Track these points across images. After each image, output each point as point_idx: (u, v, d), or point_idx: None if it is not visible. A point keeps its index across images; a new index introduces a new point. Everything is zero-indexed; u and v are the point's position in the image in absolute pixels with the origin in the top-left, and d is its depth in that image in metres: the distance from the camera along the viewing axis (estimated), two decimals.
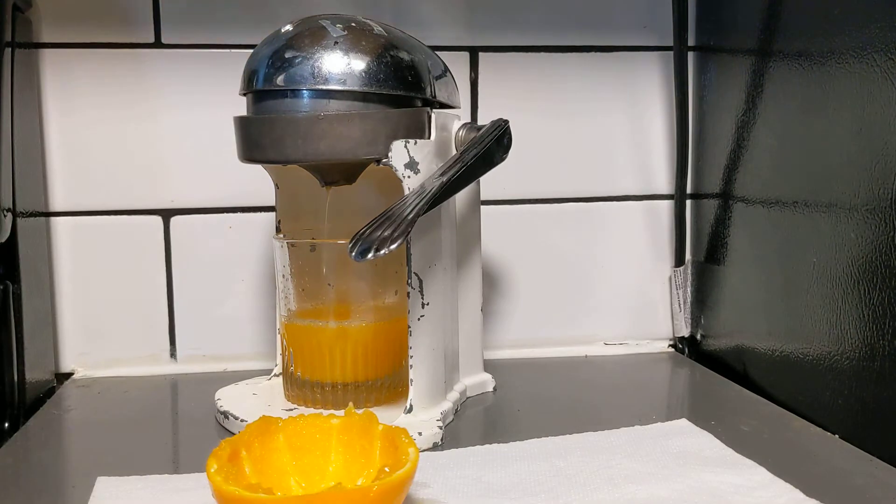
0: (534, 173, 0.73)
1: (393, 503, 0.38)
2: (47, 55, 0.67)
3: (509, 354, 0.73)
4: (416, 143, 0.53)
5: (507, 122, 0.57)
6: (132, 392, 0.64)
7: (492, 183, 0.69)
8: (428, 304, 0.54)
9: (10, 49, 0.59)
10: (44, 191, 0.67)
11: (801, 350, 0.58)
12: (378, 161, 0.52)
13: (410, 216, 0.47)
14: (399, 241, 0.46)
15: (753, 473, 0.45)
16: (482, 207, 0.63)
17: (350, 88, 0.51)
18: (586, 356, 0.73)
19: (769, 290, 0.62)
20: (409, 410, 0.54)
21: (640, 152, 0.74)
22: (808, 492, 0.42)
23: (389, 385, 0.57)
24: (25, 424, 0.57)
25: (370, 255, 0.45)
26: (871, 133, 0.50)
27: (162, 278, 0.69)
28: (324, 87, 0.51)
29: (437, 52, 0.58)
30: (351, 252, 0.45)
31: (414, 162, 0.52)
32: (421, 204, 0.48)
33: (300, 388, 0.57)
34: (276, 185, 0.61)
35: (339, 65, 0.51)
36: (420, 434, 0.51)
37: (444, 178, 0.50)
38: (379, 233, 0.46)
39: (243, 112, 0.55)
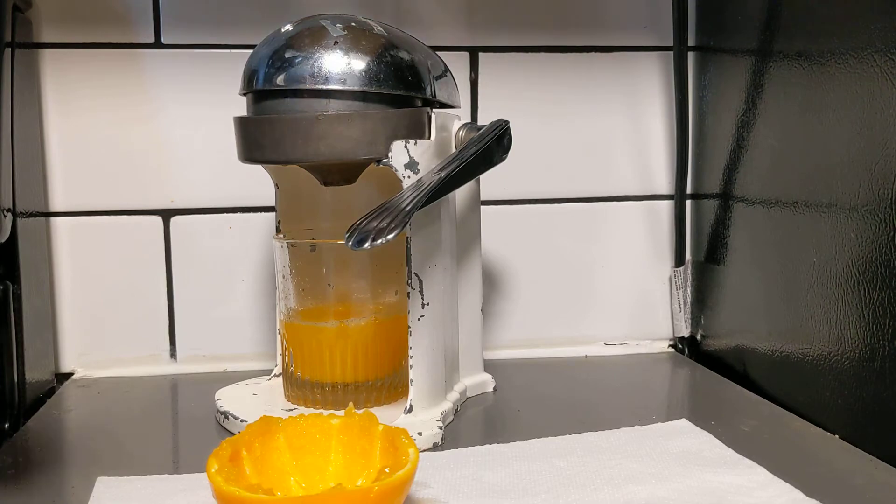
0: (534, 173, 0.73)
1: (393, 503, 0.38)
2: (47, 55, 0.67)
3: (509, 354, 0.73)
4: (416, 143, 0.53)
5: (507, 122, 0.57)
6: (132, 392, 0.64)
7: (492, 183, 0.69)
8: (428, 304, 0.54)
9: (10, 49, 0.59)
10: (44, 191, 0.67)
11: (801, 350, 0.58)
12: (378, 161, 0.52)
13: (408, 208, 0.47)
14: (395, 232, 0.46)
15: (753, 473, 0.45)
16: (482, 207, 0.63)
17: (350, 88, 0.51)
18: (586, 356, 0.73)
19: (769, 290, 0.62)
20: (409, 410, 0.54)
21: (640, 152, 0.74)
22: (808, 492, 0.42)
23: (389, 385, 0.57)
24: (25, 424, 0.57)
25: (367, 245, 0.45)
26: (871, 133, 0.50)
27: (162, 278, 0.69)
28: (324, 87, 0.51)
29: (437, 52, 0.58)
30: (348, 242, 0.46)
31: (414, 162, 0.52)
32: (419, 197, 0.48)
33: (300, 388, 0.57)
34: (276, 185, 0.61)
35: (339, 65, 0.51)
36: (420, 434, 0.51)
37: (443, 174, 0.50)
38: (376, 223, 0.46)
39: (243, 112, 0.55)
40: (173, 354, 0.70)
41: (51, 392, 0.65)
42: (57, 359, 0.68)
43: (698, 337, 0.74)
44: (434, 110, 0.54)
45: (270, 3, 0.68)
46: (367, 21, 0.54)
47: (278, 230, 0.62)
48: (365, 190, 0.60)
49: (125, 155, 0.68)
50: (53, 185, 0.68)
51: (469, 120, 0.64)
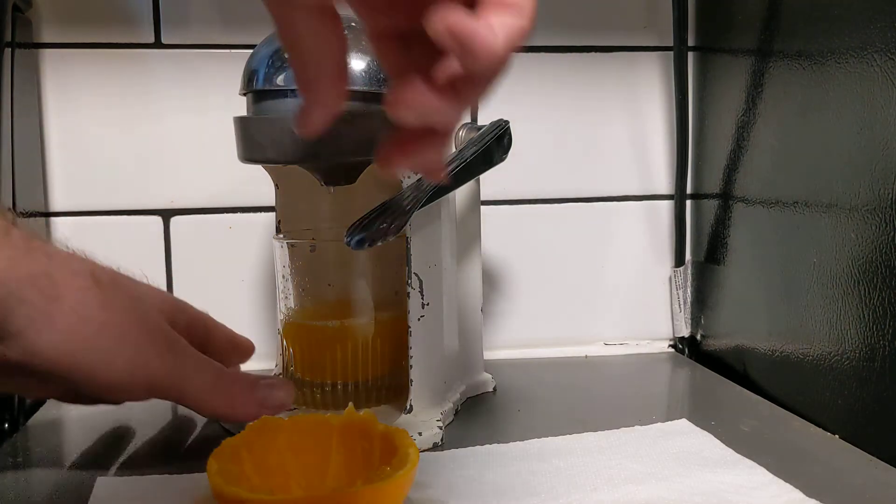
0: (534, 173, 0.73)
1: (393, 503, 0.38)
2: (47, 55, 0.67)
3: (509, 354, 0.73)
4: None
5: (507, 122, 0.57)
6: None
7: (492, 183, 0.69)
8: (428, 304, 0.54)
9: (10, 49, 0.59)
10: (44, 191, 0.67)
11: (801, 350, 0.58)
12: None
13: (408, 208, 0.47)
14: (395, 232, 0.45)
15: (753, 473, 0.45)
16: (482, 207, 0.63)
17: (350, 88, 0.51)
18: (586, 356, 0.73)
19: (769, 290, 0.62)
20: (409, 410, 0.54)
21: (640, 152, 0.74)
22: (808, 492, 0.42)
23: (389, 385, 0.57)
24: (25, 424, 0.57)
25: (366, 245, 0.45)
26: (871, 133, 0.50)
27: (162, 278, 0.69)
28: None
29: None
30: (347, 242, 0.45)
31: None
32: (419, 197, 0.48)
33: (300, 388, 0.57)
34: (276, 185, 0.61)
35: None
36: (420, 434, 0.51)
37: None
38: (376, 224, 0.46)
39: (243, 112, 0.55)
40: None
41: None
42: None
43: (698, 337, 0.74)
44: None
45: None
46: None
47: (278, 230, 0.62)
48: (365, 190, 0.60)
49: (125, 155, 0.68)
50: (53, 185, 0.68)
51: (469, 120, 0.64)
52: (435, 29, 0.30)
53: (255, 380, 0.50)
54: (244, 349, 0.58)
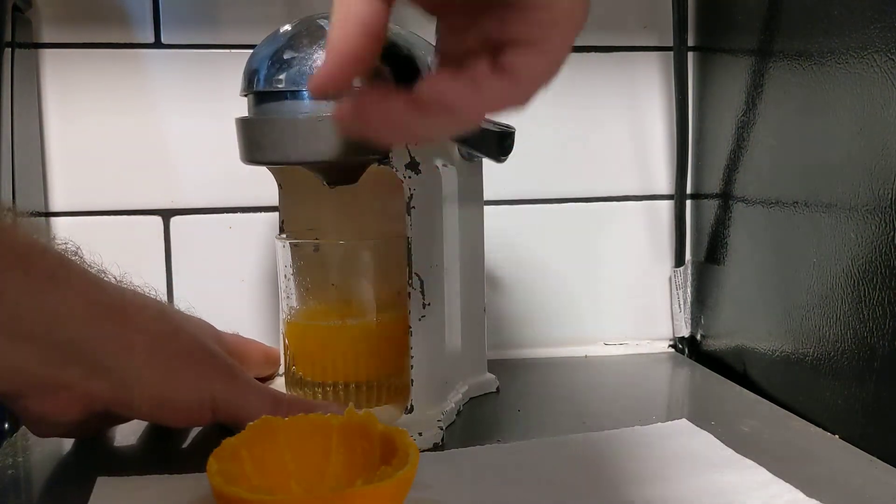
0: (534, 173, 0.73)
1: (393, 503, 0.38)
2: (47, 55, 0.67)
3: (510, 354, 0.72)
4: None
5: (513, 129, 0.57)
6: None
7: (492, 183, 0.69)
8: (429, 304, 0.54)
9: (10, 49, 0.59)
10: (44, 191, 0.67)
11: (801, 350, 0.58)
12: (379, 161, 0.52)
13: None
14: None
15: (753, 473, 0.45)
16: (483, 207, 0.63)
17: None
18: (586, 356, 0.73)
19: (769, 290, 0.62)
20: (410, 411, 0.54)
21: (640, 152, 0.74)
22: (808, 492, 0.42)
23: (390, 385, 0.57)
24: None
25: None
26: (871, 133, 0.50)
27: (162, 278, 0.69)
28: None
29: None
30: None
31: (415, 162, 0.52)
32: None
33: (301, 388, 0.57)
34: (280, 185, 0.61)
35: None
36: (420, 434, 0.51)
37: None
38: None
39: (243, 112, 0.55)
40: None
41: None
42: None
43: (698, 337, 0.74)
44: None
45: (270, 3, 0.68)
46: None
47: (281, 230, 0.62)
48: (367, 190, 0.60)
49: (125, 155, 0.68)
50: (53, 185, 0.68)
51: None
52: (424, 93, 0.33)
53: (312, 404, 0.52)
54: (274, 359, 0.62)
